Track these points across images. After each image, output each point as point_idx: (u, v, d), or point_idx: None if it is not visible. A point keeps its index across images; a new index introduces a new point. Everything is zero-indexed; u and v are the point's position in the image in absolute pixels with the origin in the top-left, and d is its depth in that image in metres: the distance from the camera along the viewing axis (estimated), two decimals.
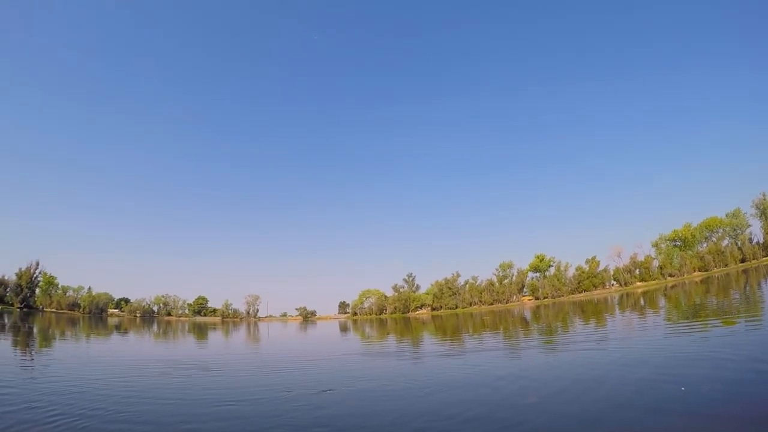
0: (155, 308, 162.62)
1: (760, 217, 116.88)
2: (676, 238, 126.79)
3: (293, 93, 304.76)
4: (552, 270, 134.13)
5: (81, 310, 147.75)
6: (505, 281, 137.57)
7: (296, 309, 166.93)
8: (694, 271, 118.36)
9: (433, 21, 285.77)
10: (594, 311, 60.35)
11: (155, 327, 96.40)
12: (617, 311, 55.12)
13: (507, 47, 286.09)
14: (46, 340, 45.84)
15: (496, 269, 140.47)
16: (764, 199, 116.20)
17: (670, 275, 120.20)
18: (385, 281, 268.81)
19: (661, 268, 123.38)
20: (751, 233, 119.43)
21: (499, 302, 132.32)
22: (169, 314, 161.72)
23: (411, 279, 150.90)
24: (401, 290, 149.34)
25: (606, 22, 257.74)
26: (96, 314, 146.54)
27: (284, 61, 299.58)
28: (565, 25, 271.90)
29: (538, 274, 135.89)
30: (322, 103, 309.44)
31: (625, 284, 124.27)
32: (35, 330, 60.11)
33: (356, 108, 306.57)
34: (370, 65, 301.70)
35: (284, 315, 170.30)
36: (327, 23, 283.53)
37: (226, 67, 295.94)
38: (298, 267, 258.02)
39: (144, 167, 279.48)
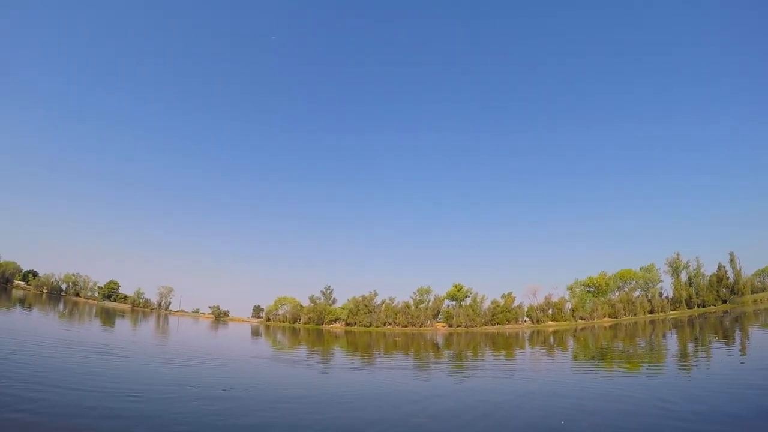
0: (64, 286, 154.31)
1: (671, 274, 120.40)
2: (590, 284, 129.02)
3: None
4: (468, 300, 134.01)
5: None
6: (422, 305, 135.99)
7: (209, 307, 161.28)
8: (605, 316, 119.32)
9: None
10: (505, 344, 61.26)
11: (61, 306, 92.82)
12: (527, 346, 56.31)
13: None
14: None
15: (414, 293, 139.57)
16: (677, 259, 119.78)
17: (581, 318, 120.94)
18: (302, 290, 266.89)
19: (573, 310, 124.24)
20: (661, 288, 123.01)
21: (414, 325, 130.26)
22: (77, 295, 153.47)
23: (328, 292, 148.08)
24: (317, 302, 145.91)
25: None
26: (0, 284, 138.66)
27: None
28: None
29: (454, 303, 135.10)
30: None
31: (537, 322, 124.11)
32: None
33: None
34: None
35: (196, 311, 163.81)
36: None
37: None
38: (215, 265, 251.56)
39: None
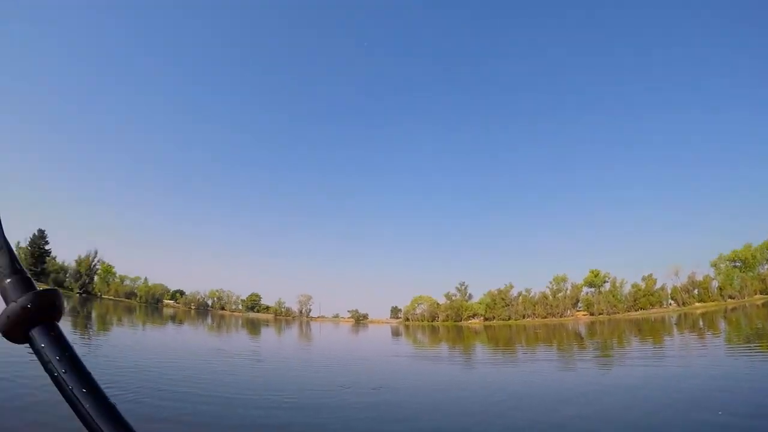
0: (209, 302, 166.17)
1: None
2: (735, 258, 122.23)
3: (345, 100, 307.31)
4: (607, 286, 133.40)
5: (137, 299, 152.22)
6: (559, 295, 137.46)
7: (348, 311, 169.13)
8: (756, 293, 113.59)
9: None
10: (652, 330, 59.42)
11: (209, 320, 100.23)
12: (677, 332, 54.07)
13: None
14: (105, 324, 47.82)
15: (550, 282, 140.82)
16: None
17: (730, 297, 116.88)
18: (436, 289, 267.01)
19: (720, 289, 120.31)
20: None
21: (553, 316, 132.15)
22: (222, 308, 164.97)
23: (463, 288, 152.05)
24: (453, 298, 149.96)
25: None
26: (152, 304, 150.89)
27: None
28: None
29: (592, 290, 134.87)
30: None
31: (683, 304, 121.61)
32: (94, 315, 61.50)
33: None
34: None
35: (336, 316, 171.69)
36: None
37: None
38: (352, 270, 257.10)
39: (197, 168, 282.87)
